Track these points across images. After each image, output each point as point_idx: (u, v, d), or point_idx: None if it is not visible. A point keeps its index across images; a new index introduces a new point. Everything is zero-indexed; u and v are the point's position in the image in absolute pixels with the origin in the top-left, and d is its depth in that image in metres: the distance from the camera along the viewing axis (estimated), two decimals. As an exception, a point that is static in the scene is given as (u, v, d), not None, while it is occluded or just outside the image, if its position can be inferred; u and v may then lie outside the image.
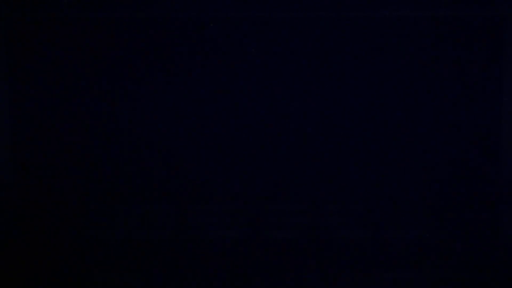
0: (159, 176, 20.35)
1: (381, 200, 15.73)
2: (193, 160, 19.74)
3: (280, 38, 16.80)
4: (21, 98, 16.92)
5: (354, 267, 14.44)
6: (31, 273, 13.99)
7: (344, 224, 17.89)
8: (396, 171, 20.24)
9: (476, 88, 16.87)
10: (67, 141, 17.69)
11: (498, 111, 16.70)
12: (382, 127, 20.37)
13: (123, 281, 13.78)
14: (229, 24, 16.28)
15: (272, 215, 16.88)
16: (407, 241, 16.56)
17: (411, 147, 19.84)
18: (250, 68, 19.75)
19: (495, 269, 14.21)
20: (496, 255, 15.39)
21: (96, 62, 19.33)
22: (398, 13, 16.24)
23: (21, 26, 16.60)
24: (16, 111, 17.01)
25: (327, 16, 16.24)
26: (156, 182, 20.34)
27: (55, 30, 16.59)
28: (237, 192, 20.01)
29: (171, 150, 20.15)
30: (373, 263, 14.14)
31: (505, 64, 16.48)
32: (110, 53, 18.06)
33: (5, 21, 16.44)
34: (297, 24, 16.51)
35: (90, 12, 16.06)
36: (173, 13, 16.05)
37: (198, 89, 20.44)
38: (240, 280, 13.65)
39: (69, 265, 14.55)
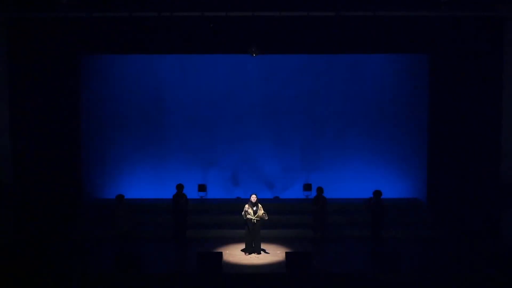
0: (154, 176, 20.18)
1: (381, 200, 15.67)
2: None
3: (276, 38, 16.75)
4: (21, 99, 16.87)
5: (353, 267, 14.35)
6: (30, 271, 13.90)
7: (344, 224, 17.79)
8: (396, 171, 20.10)
9: (476, 88, 16.85)
10: (65, 141, 17.64)
11: (498, 111, 16.65)
12: (381, 127, 20.23)
13: (120, 278, 13.71)
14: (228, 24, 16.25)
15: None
16: (407, 240, 16.52)
17: (411, 147, 19.73)
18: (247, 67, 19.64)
19: (495, 269, 14.14)
20: (496, 255, 15.31)
21: (95, 62, 19.23)
22: (399, 13, 16.22)
23: (21, 26, 16.56)
24: (15, 112, 16.94)
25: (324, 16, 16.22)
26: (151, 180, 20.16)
27: (55, 30, 16.55)
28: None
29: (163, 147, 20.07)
30: (373, 262, 14.07)
31: (505, 64, 16.46)
32: (109, 52, 18.00)
33: (5, 21, 16.40)
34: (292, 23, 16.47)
35: (90, 12, 16.01)
36: (172, 12, 16.01)
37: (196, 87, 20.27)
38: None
39: (66, 263, 14.46)
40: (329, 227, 16.66)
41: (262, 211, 15.14)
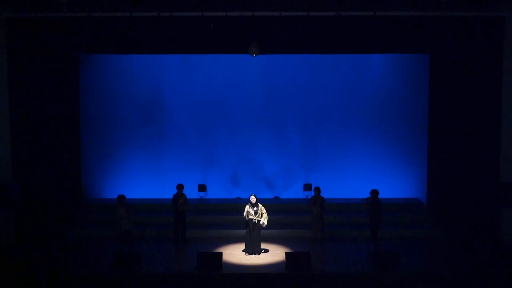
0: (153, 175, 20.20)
1: (378, 199, 15.66)
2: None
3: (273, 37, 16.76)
4: (21, 99, 16.84)
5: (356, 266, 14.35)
6: (30, 271, 13.91)
7: (344, 224, 17.80)
8: (396, 171, 20.09)
9: (476, 88, 16.84)
10: (65, 141, 17.64)
11: (498, 111, 16.64)
12: (381, 127, 20.24)
13: (120, 278, 13.72)
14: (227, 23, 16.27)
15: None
16: (407, 240, 16.52)
17: (411, 146, 19.73)
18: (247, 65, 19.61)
19: (495, 269, 14.14)
20: (495, 255, 15.32)
21: (95, 62, 19.23)
22: (399, 13, 16.21)
23: (21, 26, 16.55)
24: (15, 112, 16.91)
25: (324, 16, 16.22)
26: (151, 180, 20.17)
27: (55, 30, 16.54)
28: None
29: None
30: (372, 262, 14.08)
31: (505, 64, 16.45)
32: (109, 52, 17.99)
33: (5, 21, 16.39)
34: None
35: (90, 12, 16.00)
36: (172, 12, 16.00)
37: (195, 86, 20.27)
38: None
39: (66, 263, 14.47)
40: (327, 227, 16.66)
41: (264, 212, 15.17)
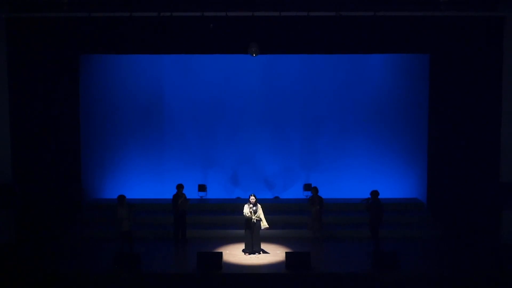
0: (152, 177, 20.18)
1: (378, 200, 15.65)
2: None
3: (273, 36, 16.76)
4: (21, 100, 16.83)
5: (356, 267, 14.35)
6: (30, 271, 13.90)
7: (344, 224, 17.79)
8: (396, 171, 20.08)
9: (476, 88, 16.83)
10: (65, 141, 17.64)
11: (498, 111, 16.63)
12: (381, 127, 20.22)
13: (120, 278, 13.73)
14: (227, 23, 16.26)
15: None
16: (407, 240, 16.52)
17: (411, 147, 19.72)
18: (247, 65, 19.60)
19: (494, 268, 14.14)
20: (495, 254, 15.31)
21: (95, 62, 19.20)
22: (399, 13, 16.20)
23: (21, 26, 16.54)
24: (15, 112, 16.90)
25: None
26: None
27: (55, 30, 16.54)
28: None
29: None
30: (372, 262, 14.08)
31: (505, 64, 16.44)
32: (109, 52, 17.99)
33: (5, 21, 16.38)
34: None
35: (90, 12, 16.00)
36: (172, 12, 16.00)
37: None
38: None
39: (66, 263, 14.47)
40: (326, 227, 16.67)
41: (261, 212, 15.20)
